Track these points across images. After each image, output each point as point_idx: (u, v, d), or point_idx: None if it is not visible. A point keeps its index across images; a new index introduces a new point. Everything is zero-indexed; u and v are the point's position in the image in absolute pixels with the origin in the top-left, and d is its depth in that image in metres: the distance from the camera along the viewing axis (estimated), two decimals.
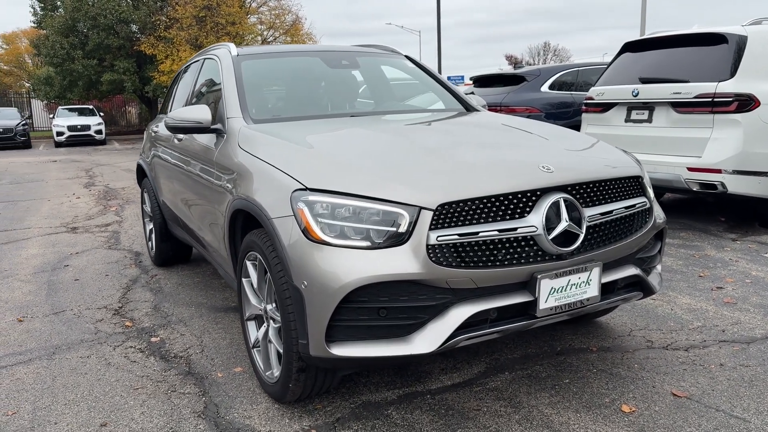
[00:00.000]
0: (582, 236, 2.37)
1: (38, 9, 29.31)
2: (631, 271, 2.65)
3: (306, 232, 2.29)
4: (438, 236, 2.20)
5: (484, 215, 2.27)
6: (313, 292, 2.25)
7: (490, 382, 2.83)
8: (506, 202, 2.30)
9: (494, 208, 2.29)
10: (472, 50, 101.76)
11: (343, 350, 2.25)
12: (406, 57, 4.29)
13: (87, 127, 24.79)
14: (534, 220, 2.31)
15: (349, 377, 2.89)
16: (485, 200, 2.28)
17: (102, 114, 27.45)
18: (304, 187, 2.37)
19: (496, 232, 2.26)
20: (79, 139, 24.60)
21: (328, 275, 2.22)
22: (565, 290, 2.38)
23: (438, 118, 3.61)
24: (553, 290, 2.35)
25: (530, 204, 2.34)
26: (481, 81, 8.98)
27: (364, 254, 2.22)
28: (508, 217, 2.30)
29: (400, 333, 2.26)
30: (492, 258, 2.27)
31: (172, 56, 26.30)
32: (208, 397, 2.81)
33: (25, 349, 3.47)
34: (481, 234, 2.24)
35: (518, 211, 2.32)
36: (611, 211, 2.52)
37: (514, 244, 2.31)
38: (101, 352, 3.38)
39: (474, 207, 2.26)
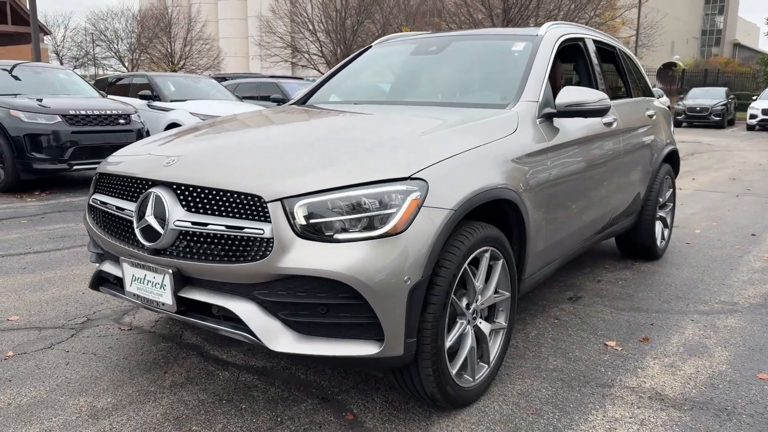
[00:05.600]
0: (163, 236, 2.31)
1: None
2: (233, 304, 2.21)
3: None
4: (93, 198, 2.73)
5: (113, 191, 2.61)
6: None
7: (225, 372, 2.85)
8: (128, 184, 2.53)
9: (120, 187, 2.57)
10: None
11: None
12: (537, 37, 3.50)
13: None
14: (131, 206, 2.45)
15: None
16: (115, 178, 2.60)
17: None
18: None
19: (115, 208, 2.57)
20: None
21: None
22: (143, 282, 2.41)
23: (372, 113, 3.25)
24: (134, 278, 2.44)
25: (142, 191, 2.46)
26: None
27: None
28: (126, 198, 2.53)
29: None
30: (108, 228, 2.61)
31: None
32: None
33: None
34: (108, 205, 2.61)
35: (133, 194, 2.50)
36: (206, 224, 2.22)
37: (119, 222, 2.53)
38: None
39: (110, 182, 2.63)
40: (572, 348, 3.17)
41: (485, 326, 2.59)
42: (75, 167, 7.90)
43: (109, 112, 8.30)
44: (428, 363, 2.27)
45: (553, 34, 3.56)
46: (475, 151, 2.53)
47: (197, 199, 2.27)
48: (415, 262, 2.14)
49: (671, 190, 5.03)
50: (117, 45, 50.05)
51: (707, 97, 25.57)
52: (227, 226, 2.17)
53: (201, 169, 2.33)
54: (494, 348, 2.67)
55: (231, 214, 2.19)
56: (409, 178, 2.21)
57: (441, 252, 2.24)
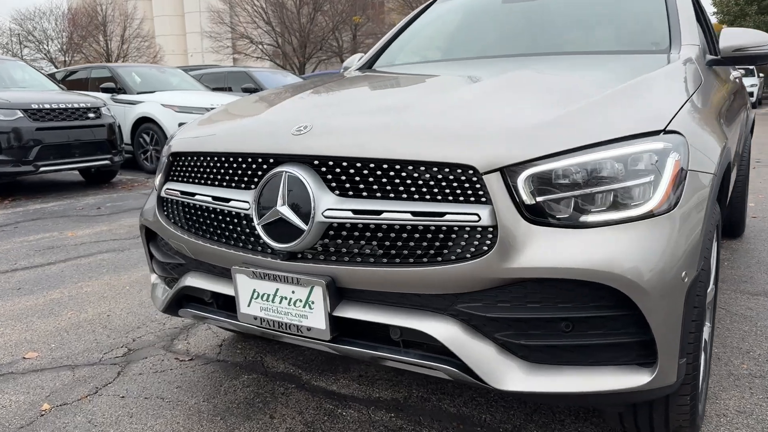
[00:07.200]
0: (306, 234, 1.60)
1: None
2: (427, 325, 1.53)
3: None
4: (167, 188, 1.98)
5: (203, 176, 1.87)
6: None
7: (344, 408, 2.16)
8: (232, 164, 1.80)
9: (217, 170, 1.84)
10: None
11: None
12: None
13: None
14: (242, 196, 1.74)
15: None
16: (205, 158, 1.87)
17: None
18: None
19: (210, 199, 1.83)
20: None
21: None
22: (272, 300, 1.70)
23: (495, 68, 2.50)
24: (256, 294, 1.73)
25: (260, 173, 1.74)
26: None
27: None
28: (230, 184, 1.81)
29: (169, 283, 2.16)
30: (205, 229, 1.88)
31: None
32: None
33: None
34: (197, 196, 1.87)
35: (242, 177, 1.78)
36: (377, 212, 1.53)
37: (227, 219, 1.81)
38: None
39: (201, 163, 1.89)
40: (747, 345, 2.61)
41: (706, 330, 2.00)
42: (42, 169, 6.92)
43: (76, 106, 7.32)
44: (688, 389, 1.66)
45: None
46: (693, 103, 1.92)
47: (357, 179, 1.58)
48: (691, 250, 1.52)
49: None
50: (47, 46, 47.42)
51: None
52: (416, 213, 1.49)
53: (357, 136, 1.63)
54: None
55: (419, 196, 1.51)
56: (663, 131, 1.58)
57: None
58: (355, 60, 3.44)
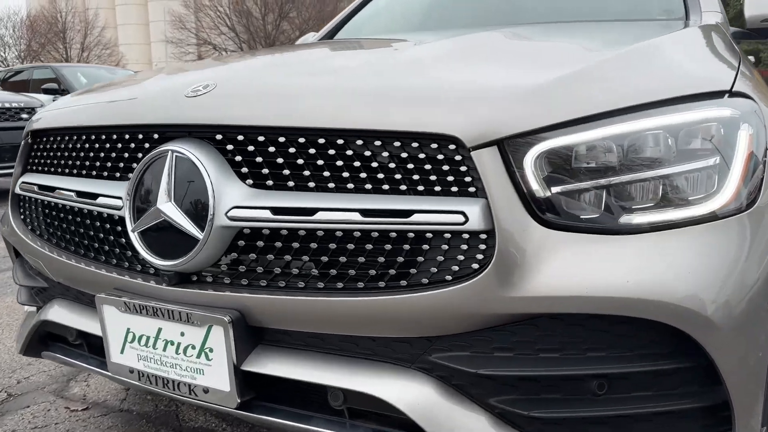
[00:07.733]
0: (203, 243, 1.05)
1: None
2: (381, 386, 1.00)
3: None
4: (23, 182, 1.42)
5: (75, 161, 1.31)
6: None
7: None
8: (111, 145, 1.25)
9: (91, 152, 1.29)
10: None
11: None
12: None
13: None
14: (114, 190, 1.19)
15: None
16: (72, 135, 1.31)
17: None
18: None
19: (74, 195, 1.27)
20: None
21: None
22: (153, 346, 1.14)
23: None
24: (131, 336, 1.17)
25: (141, 155, 1.19)
26: None
27: None
28: (105, 174, 1.26)
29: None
30: (67, 238, 1.31)
31: None
32: None
33: None
34: (57, 192, 1.31)
35: (122, 164, 1.23)
36: (312, 210, 0.99)
37: (95, 224, 1.25)
38: None
39: (67, 145, 1.34)
40: None
41: None
42: None
43: (8, 105, 6.61)
44: None
45: None
46: (743, 71, 1.44)
47: (280, 161, 1.04)
48: None
49: None
50: (4, 53, 46.07)
51: None
52: (367, 213, 0.97)
53: (282, 99, 1.10)
54: None
55: (372, 186, 0.99)
56: (729, 92, 1.09)
57: None
58: (310, 38, 2.91)
